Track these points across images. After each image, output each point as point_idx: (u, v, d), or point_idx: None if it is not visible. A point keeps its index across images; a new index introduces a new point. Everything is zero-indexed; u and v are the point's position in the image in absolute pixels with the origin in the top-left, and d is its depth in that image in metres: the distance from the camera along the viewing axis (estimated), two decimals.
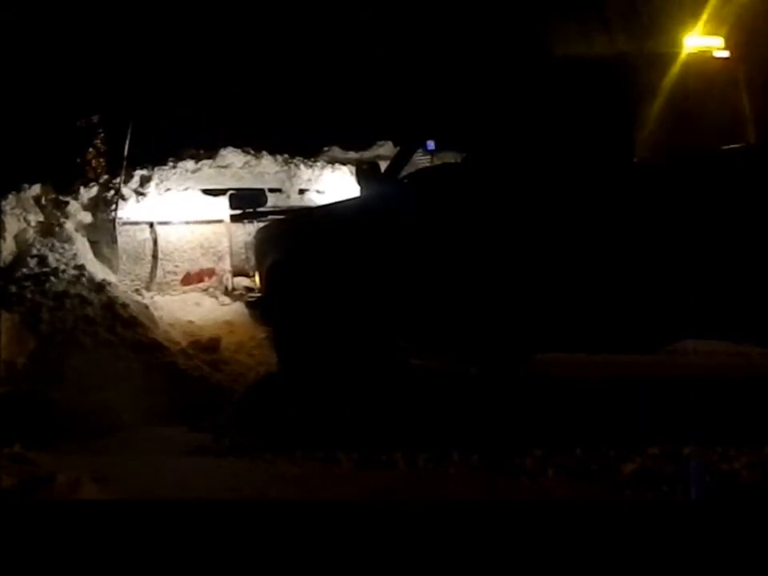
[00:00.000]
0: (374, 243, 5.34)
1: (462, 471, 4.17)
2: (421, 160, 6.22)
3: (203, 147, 7.89)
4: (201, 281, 7.15)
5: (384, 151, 8.15)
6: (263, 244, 6.16)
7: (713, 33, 5.04)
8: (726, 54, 4.94)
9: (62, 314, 6.02)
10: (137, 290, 6.90)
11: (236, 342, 6.47)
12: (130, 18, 9.97)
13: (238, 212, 7.23)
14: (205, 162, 7.56)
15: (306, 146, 8.22)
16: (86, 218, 7.12)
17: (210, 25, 10.46)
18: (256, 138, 8.08)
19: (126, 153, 7.27)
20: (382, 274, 5.31)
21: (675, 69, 4.78)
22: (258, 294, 6.26)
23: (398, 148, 6.06)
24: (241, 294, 7.00)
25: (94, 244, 6.99)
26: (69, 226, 6.97)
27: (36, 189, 7.25)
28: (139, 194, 7.24)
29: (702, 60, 4.87)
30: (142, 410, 5.32)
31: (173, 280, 7.09)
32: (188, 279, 7.14)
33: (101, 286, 6.30)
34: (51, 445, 4.73)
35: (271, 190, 7.49)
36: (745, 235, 4.47)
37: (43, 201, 7.18)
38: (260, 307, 6.17)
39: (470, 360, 5.63)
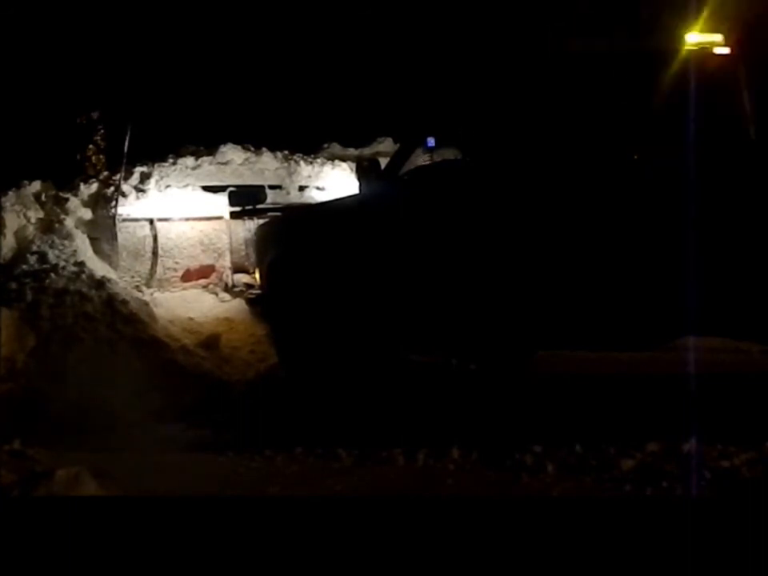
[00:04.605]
0: (374, 240, 5.34)
1: (462, 467, 4.18)
2: (421, 157, 6.20)
3: (203, 144, 7.88)
4: (201, 277, 7.15)
5: (384, 148, 8.13)
6: (263, 241, 6.16)
7: (713, 30, 5.03)
8: (726, 50, 4.93)
9: (61, 310, 6.01)
10: (137, 287, 6.89)
11: (236, 338, 6.47)
12: (130, 15, 9.97)
13: (237, 209, 7.23)
14: (205, 158, 7.55)
15: (305, 143, 8.22)
16: (86, 214, 7.11)
17: (210, 22, 10.46)
18: (256, 134, 8.07)
19: (126, 149, 7.25)
20: (382, 271, 5.31)
21: (676, 65, 4.77)
22: (258, 291, 6.27)
23: (398, 145, 6.06)
24: (241, 291, 6.99)
25: (93, 241, 6.98)
26: (69, 222, 6.96)
27: (36, 185, 7.25)
28: (139, 190, 7.23)
29: (702, 57, 4.87)
30: (142, 406, 5.33)
31: (173, 277, 7.08)
32: (188, 276, 7.13)
33: (101, 283, 6.29)
34: (51, 441, 4.74)
35: (271, 187, 7.49)
36: (745, 233, 4.47)
37: (43, 197, 7.18)
38: (260, 304, 6.17)
39: (470, 357, 5.63)
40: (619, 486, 3.80)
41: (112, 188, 7.24)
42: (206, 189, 7.38)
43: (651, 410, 4.62)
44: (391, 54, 10.37)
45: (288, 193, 7.61)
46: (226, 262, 7.20)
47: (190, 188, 7.35)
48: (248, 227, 7.21)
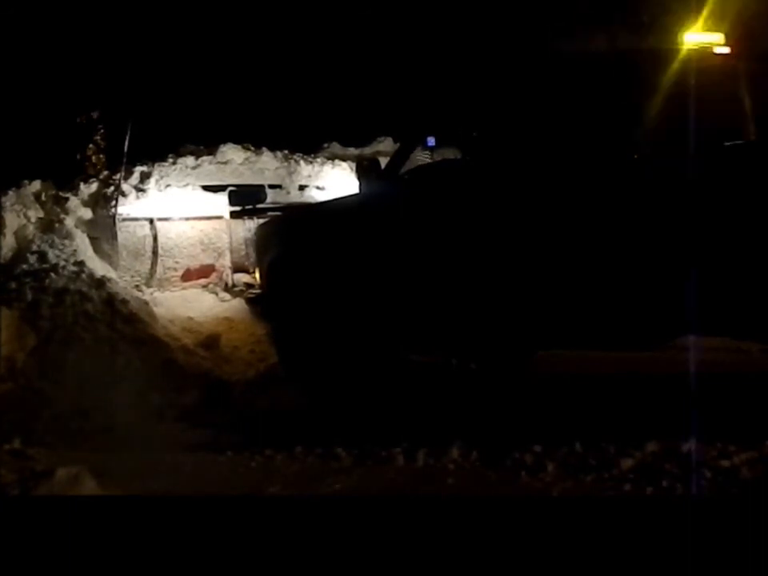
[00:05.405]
0: (374, 240, 5.34)
1: (462, 467, 4.17)
2: (421, 156, 6.21)
3: (203, 143, 7.89)
4: (201, 277, 7.15)
5: (384, 147, 8.15)
6: (263, 240, 6.16)
7: (713, 30, 5.03)
8: (726, 50, 4.93)
9: (61, 310, 6.01)
10: (137, 287, 6.89)
11: (236, 338, 6.47)
12: (130, 14, 9.98)
13: (237, 208, 7.23)
14: (205, 158, 7.56)
15: (305, 143, 8.22)
16: (86, 214, 7.12)
17: (210, 21, 10.47)
18: (256, 134, 8.08)
19: (125, 149, 7.26)
20: (382, 271, 5.31)
21: (675, 65, 4.77)
22: (258, 291, 6.27)
23: (398, 145, 6.06)
24: (241, 291, 7.00)
25: (94, 240, 6.98)
26: (69, 222, 6.96)
27: (36, 185, 7.25)
28: (139, 190, 7.24)
29: (702, 56, 4.87)
30: (142, 406, 5.33)
31: (173, 276, 7.08)
32: (188, 275, 7.13)
33: (101, 283, 6.29)
34: (51, 441, 4.74)
35: (271, 186, 7.50)
36: (744, 232, 4.47)
37: (43, 197, 7.18)
38: (260, 304, 6.18)
39: (470, 357, 5.63)
40: (619, 486, 3.80)
41: (112, 187, 7.24)
42: (206, 188, 7.39)
43: (651, 410, 4.62)
44: (391, 54, 10.38)
45: (288, 192, 7.62)
46: (226, 261, 7.21)
47: (189, 187, 7.36)
48: (248, 227, 7.22)
